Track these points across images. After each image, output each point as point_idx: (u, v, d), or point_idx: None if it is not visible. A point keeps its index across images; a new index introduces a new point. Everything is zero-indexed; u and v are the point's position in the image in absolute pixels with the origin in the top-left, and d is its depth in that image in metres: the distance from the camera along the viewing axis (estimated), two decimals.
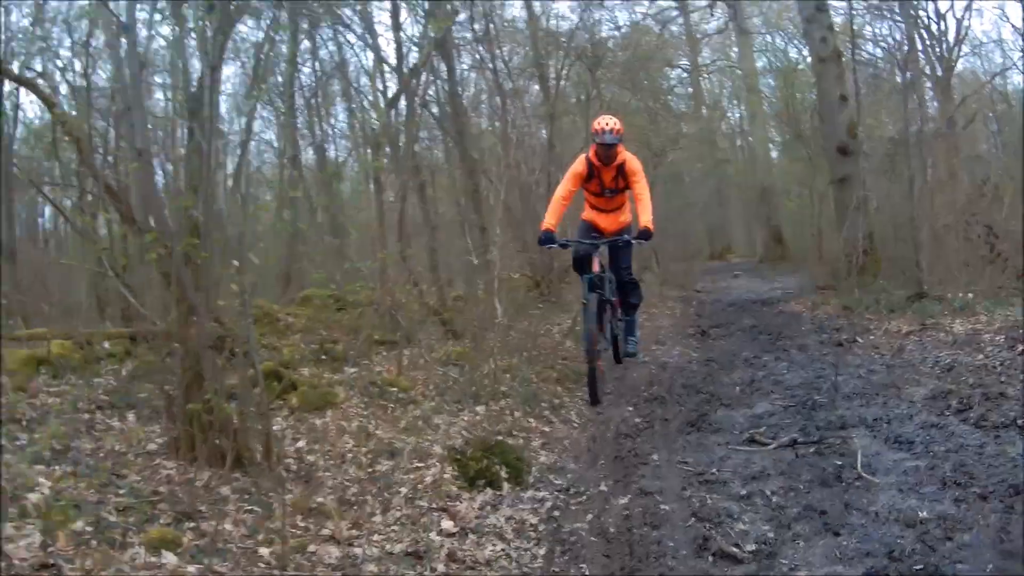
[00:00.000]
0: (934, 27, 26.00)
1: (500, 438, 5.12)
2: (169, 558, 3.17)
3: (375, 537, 3.56)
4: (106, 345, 6.56)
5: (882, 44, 27.72)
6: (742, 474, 4.88)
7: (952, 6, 29.85)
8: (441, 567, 3.40)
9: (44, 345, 6.05)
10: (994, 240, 12.81)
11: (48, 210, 12.03)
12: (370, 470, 4.35)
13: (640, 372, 8.59)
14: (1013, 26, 27.29)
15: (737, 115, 36.43)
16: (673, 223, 23.63)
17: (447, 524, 3.80)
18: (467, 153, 11.69)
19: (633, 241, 7.98)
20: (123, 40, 5.11)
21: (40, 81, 8.50)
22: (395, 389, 6.18)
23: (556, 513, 4.30)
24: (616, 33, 21.13)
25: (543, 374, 7.47)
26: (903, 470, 4.70)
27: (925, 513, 4.00)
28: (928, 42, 27.40)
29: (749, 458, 5.21)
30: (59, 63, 10.35)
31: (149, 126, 6.60)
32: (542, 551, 3.81)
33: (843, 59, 16.55)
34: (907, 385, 7.04)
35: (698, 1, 31.19)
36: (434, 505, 4.04)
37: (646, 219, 7.78)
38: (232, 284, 4.26)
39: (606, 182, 7.98)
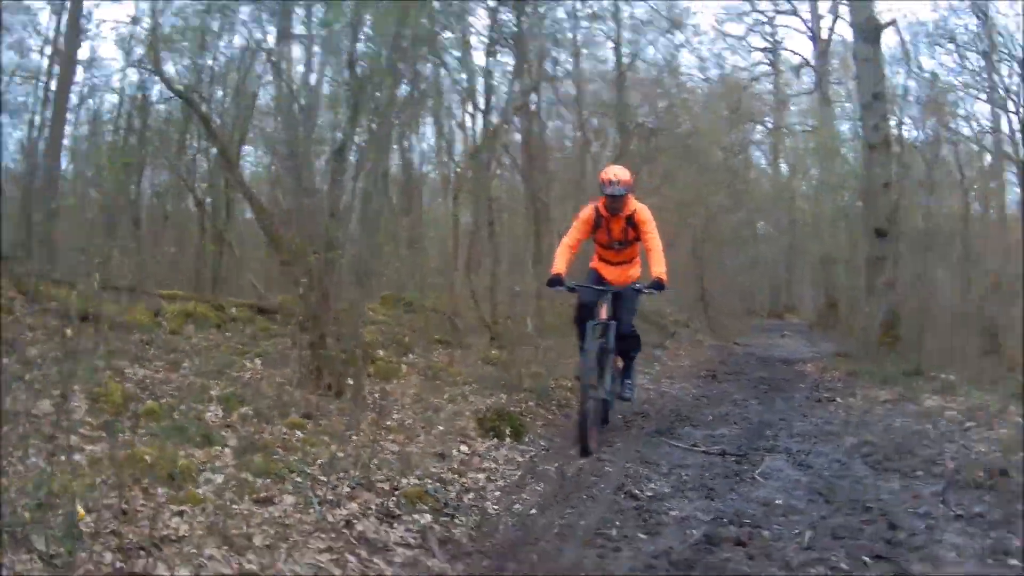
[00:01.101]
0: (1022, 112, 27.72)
1: (512, 411, 7.69)
2: (298, 434, 5.78)
3: (418, 445, 6.11)
4: (234, 311, 9.23)
5: (973, 122, 29.44)
6: (673, 463, 7.29)
7: None
8: (456, 464, 5.96)
9: (181, 303, 8.76)
10: (995, 332, 15.02)
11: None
12: (420, 413, 6.95)
13: (639, 396, 10.74)
14: None
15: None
16: (734, 278, 25.73)
17: (464, 448, 6.38)
18: (536, 196, 14.28)
19: (644, 291, 8.23)
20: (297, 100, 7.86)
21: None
22: (445, 374, 8.79)
23: (535, 459, 6.84)
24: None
25: (559, 381, 9.72)
26: (789, 480, 6.95)
27: (779, 501, 6.27)
28: (1015, 127, 28.89)
29: (685, 456, 7.60)
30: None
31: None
32: (518, 474, 6.34)
33: (891, 148, 18.10)
34: (846, 436, 9.04)
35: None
36: (458, 439, 6.59)
37: (659, 270, 8.07)
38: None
39: (615, 233, 8.33)
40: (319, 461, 4.96)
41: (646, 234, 8.18)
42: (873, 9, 18.39)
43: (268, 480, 4.43)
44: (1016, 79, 29.04)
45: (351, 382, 6.61)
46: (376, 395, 7.18)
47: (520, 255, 13.94)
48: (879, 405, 11.28)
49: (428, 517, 4.81)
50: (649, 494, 6.26)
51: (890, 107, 19.51)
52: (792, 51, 32.84)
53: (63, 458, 3.74)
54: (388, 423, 6.34)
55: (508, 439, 7.06)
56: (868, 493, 6.46)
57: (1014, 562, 4.80)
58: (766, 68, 35.10)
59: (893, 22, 21.46)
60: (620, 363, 8.54)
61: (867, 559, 4.81)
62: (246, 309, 9.28)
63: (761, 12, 32.85)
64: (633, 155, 17.30)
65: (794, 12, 31.80)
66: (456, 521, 4.97)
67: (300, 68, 11.63)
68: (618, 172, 8.13)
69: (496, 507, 5.52)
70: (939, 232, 18.35)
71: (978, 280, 17.28)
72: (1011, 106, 29.64)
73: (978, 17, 27.07)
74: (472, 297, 11.76)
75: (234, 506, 3.98)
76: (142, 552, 3.27)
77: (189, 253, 12.61)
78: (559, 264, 8.07)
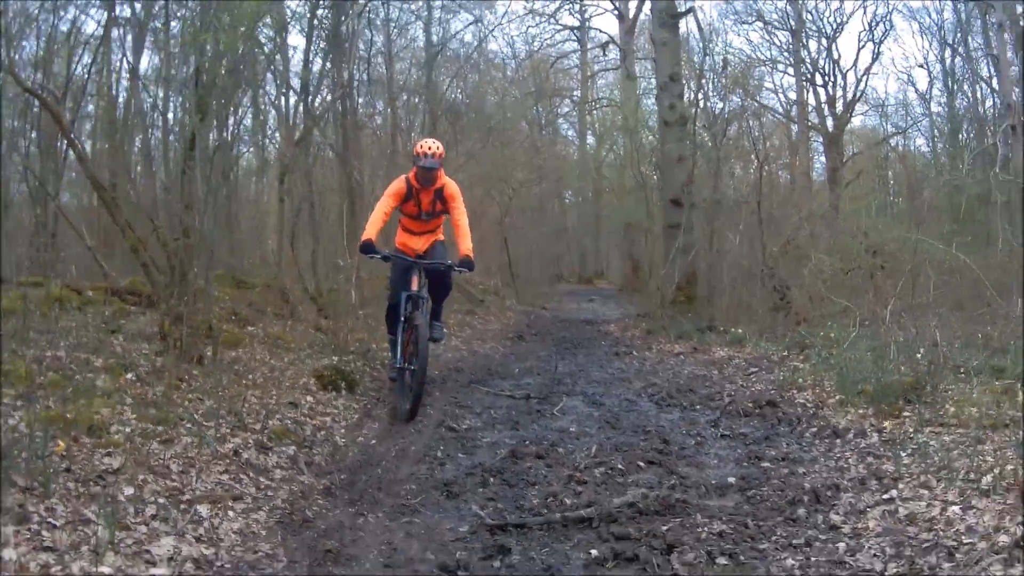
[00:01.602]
0: (830, 87, 30.15)
1: (344, 370, 9.06)
2: (175, 394, 7.02)
3: (274, 397, 7.37)
4: (90, 294, 10.22)
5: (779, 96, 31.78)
6: (485, 405, 8.80)
7: (855, 67, 33.64)
8: (306, 411, 7.29)
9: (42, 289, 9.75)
10: (784, 291, 17.00)
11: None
12: (268, 374, 8.25)
13: (452, 355, 12.34)
14: (916, 90, 31.85)
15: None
16: (542, 247, 27.35)
17: (309, 399, 7.70)
18: (351, 175, 15.54)
19: (456, 269, 8.72)
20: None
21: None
22: (282, 341, 10.07)
23: (368, 406, 8.25)
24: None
25: (381, 344, 10.86)
26: (583, 414, 8.52)
27: (573, 429, 7.80)
28: (823, 99, 31.39)
29: (495, 401, 9.12)
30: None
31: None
32: (357, 416, 7.79)
33: (686, 124, 19.83)
34: (637, 381, 10.69)
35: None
36: (304, 392, 7.88)
37: (467, 247, 8.60)
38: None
39: (424, 205, 8.76)
40: (200, 411, 6.21)
41: (455, 210, 8.71)
42: None
43: (165, 427, 5.67)
44: (823, 53, 31.89)
45: (209, 352, 7.84)
46: (228, 361, 8.42)
47: (336, 233, 15.13)
48: (672, 357, 13.06)
49: (293, 448, 6.15)
50: (466, 427, 7.77)
51: (699, 81, 21.42)
52: (599, 30, 34.22)
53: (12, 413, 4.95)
54: (245, 381, 7.61)
55: (344, 391, 8.38)
56: (650, 422, 8.14)
57: (766, 464, 6.51)
58: (574, 45, 37.07)
59: (690, 10, 23.50)
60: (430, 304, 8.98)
61: (641, 463, 6.44)
62: (100, 292, 10.28)
63: None
64: (441, 135, 18.50)
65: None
66: (314, 451, 6.37)
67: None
68: (432, 145, 8.51)
69: (343, 440, 6.95)
70: (727, 201, 20.29)
71: (772, 244, 19.18)
72: (818, 79, 32.57)
73: None
74: (298, 272, 13.02)
75: (145, 447, 5.23)
76: (93, 482, 4.51)
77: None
78: (371, 231, 8.42)
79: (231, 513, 4.69)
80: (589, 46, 37.14)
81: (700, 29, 27.46)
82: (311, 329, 11.04)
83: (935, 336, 9.03)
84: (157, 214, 9.03)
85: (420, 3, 21.39)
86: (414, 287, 8.52)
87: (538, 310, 22.37)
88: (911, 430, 6.58)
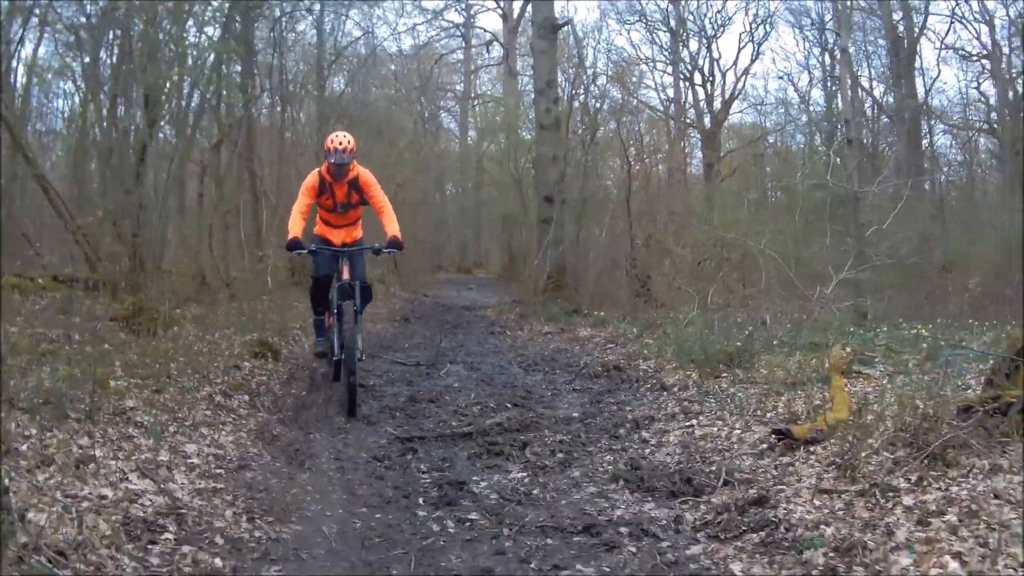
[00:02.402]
0: (708, 86, 33.09)
1: (269, 341, 11.09)
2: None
3: (221, 361, 9.37)
4: (41, 281, 12.06)
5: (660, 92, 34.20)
6: (383, 370, 11.01)
7: (735, 66, 36.00)
8: (246, 372, 9.27)
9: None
10: (645, 280, 19.36)
11: None
12: (208, 347, 10.27)
13: None
14: (796, 89, 34.07)
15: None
16: (423, 238, 29.17)
17: (247, 364, 9.71)
18: (252, 171, 17.49)
19: (385, 251, 8.87)
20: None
21: None
22: (208, 321, 12.03)
23: (292, 369, 10.30)
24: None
25: (290, 323, 12.76)
26: (464, 376, 10.81)
27: (456, 385, 10.07)
28: (701, 97, 34.03)
29: (391, 367, 11.29)
30: None
31: None
32: (286, 376, 9.81)
33: (560, 127, 22.23)
34: (509, 353, 13.06)
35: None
36: (240, 359, 9.90)
37: (393, 229, 8.73)
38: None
39: (339, 197, 8.84)
40: (172, 371, 8.11)
41: (374, 197, 8.83)
42: (552, 10, 22.42)
43: (153, 380, 7.60)
44: (704, 52, 34.17)
45: (160, 330, 9.77)
46: (171, 335, 10.36)
47: (249, 227, 17.09)
48: (542, 336, 15.27)
49: (247, 396, 8.22)
50: (372, 384, 9.94)
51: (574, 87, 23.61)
52: (483, 28, 35.97)
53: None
54: (194, 350, 9.61)
55: (271, 358, 10.36)
56: (517, 381, 10.48)
57: (603, 406, 8.83)
58: (460, 42, 38.98)
59: (568, 22, 25.76)
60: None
61: (508, 405, 8.70)
62: (50, 280, 12.08)
63: None
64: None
65: None
66: (262, 399, 8.45)
67: None
68: (343, 140, 8.53)
69: (280, 392, 9.05)
70: (594, 199, 22.61)
71: (639, 237, 21.37)
72: (697, 78, 35.04)
73: None
74: (215, 262, 15.01)
75: (143, 394, 7.14)
76: (118, 416, 6.44)
77: None
78: (294, 228, 8.55)
79: (223, 432, 6.84)
80: (474, 43, 39.18)
81: (577, 41, 29.63)
82: (232, 312, 12.96)
83: (764, 317, 11.53)
84: (119, 214, 10.86)
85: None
86: (345, 275, 8.66)
87: (421, 297, 24.35)
88: (724, 385, 8.85)
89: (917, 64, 29.32)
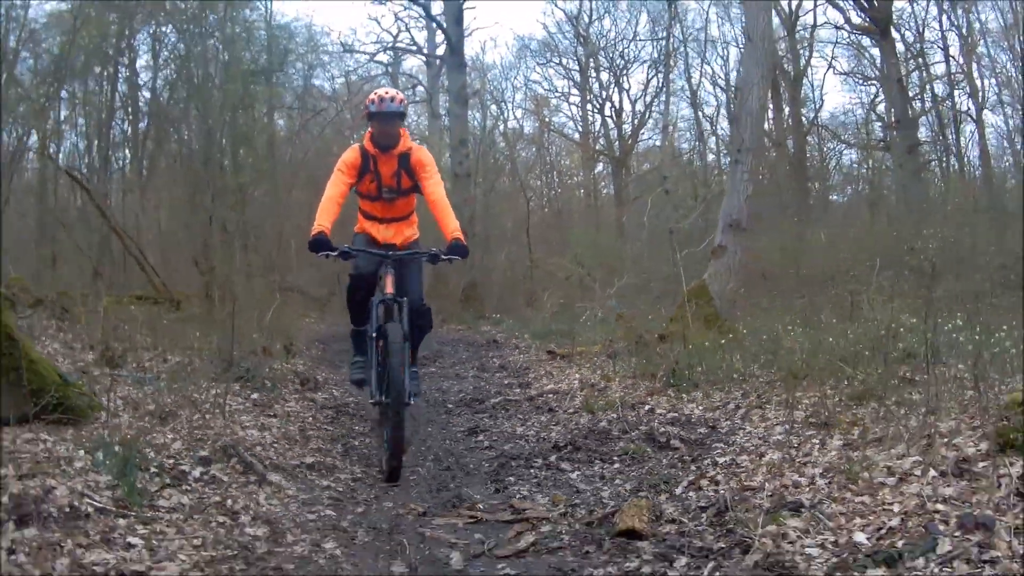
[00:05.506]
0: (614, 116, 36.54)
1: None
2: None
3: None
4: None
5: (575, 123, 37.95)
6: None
7: (644, 95, 37.05)
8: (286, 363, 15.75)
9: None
10: (536, 292, 25.75)
11: None
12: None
13: (314, 333, 20.31)
14: (703, 114, 36.08)
15: None
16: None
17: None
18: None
19: (444, 257, 6.69)
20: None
21: None
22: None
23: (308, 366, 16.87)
24: None
25: (296, 323, 18.33)
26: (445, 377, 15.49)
27: (445, 385, 12.42)
28: (610, 125, 36.87)
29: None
30: None
31: None
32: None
33: (471, 176, 27.72)
34: (433, 341, 18.71)
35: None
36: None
37: (454, 227, 6.68)
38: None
39: (385, 177, 6.89)
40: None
41: (427, 180, 6.83)
42: (464, 81, 27.88)
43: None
44: (612, 82, 37.39)
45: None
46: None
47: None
48: (455, 333, 21.18)
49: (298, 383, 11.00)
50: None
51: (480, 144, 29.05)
52: (408, 74, 39.56)
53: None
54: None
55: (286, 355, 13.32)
56: (441, 350, 16.81)
57: (487, 362, 15.24)
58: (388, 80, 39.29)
59: (477, 93, 31.37)
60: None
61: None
62: (133, 299, 17.40)
63: (388, 33, 39.38)
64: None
65: (415, 46, 36.47)
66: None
67: None
68: (389, 90, 6.91)
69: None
70: (496, 234, 29.57)
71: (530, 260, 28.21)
72: (607, 109, 38.38)
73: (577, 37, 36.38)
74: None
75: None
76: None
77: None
78: (323, 219, 6.60)
79: (290, 405, 9.31)
80: (401, 83, 40.07)
81: (483, 108, 35.33)
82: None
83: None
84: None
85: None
86: (388, 289, 6.66)
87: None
88: (555, 347, 15.15)
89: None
